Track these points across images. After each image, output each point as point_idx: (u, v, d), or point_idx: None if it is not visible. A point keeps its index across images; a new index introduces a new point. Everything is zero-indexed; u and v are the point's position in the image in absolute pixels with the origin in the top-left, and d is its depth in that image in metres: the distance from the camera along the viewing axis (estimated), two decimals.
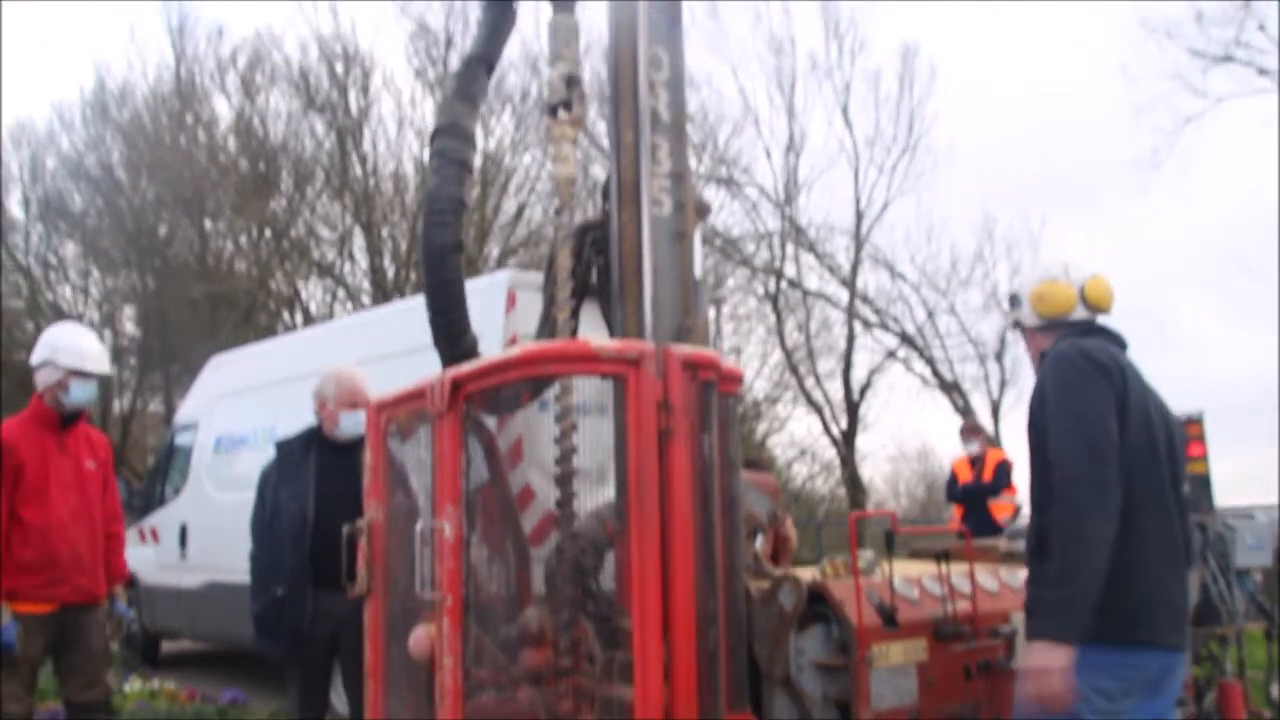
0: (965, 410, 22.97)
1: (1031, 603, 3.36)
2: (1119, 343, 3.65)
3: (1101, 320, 3.73)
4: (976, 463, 11.03)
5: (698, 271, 4.07)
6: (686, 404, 3.32)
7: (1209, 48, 18.60)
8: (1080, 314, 3.67)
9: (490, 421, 3.99)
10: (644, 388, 3.24)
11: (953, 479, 11.48)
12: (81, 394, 5.58)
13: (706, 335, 4.02)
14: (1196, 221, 31.37)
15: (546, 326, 4.06)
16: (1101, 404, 3.32)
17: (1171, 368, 31.57)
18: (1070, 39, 34.68)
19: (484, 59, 4.41)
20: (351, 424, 5.06)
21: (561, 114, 3.88)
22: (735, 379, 3.77)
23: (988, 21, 35.25)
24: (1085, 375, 3.37)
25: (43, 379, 5.56)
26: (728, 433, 3.64)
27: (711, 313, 4.26)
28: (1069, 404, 3.34)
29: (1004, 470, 10.92)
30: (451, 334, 4.20)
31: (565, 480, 3.56)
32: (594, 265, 4.16)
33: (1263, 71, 18.32)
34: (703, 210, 4.15)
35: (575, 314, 3.98)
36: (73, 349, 5.57)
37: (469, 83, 4.35)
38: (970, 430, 11.48)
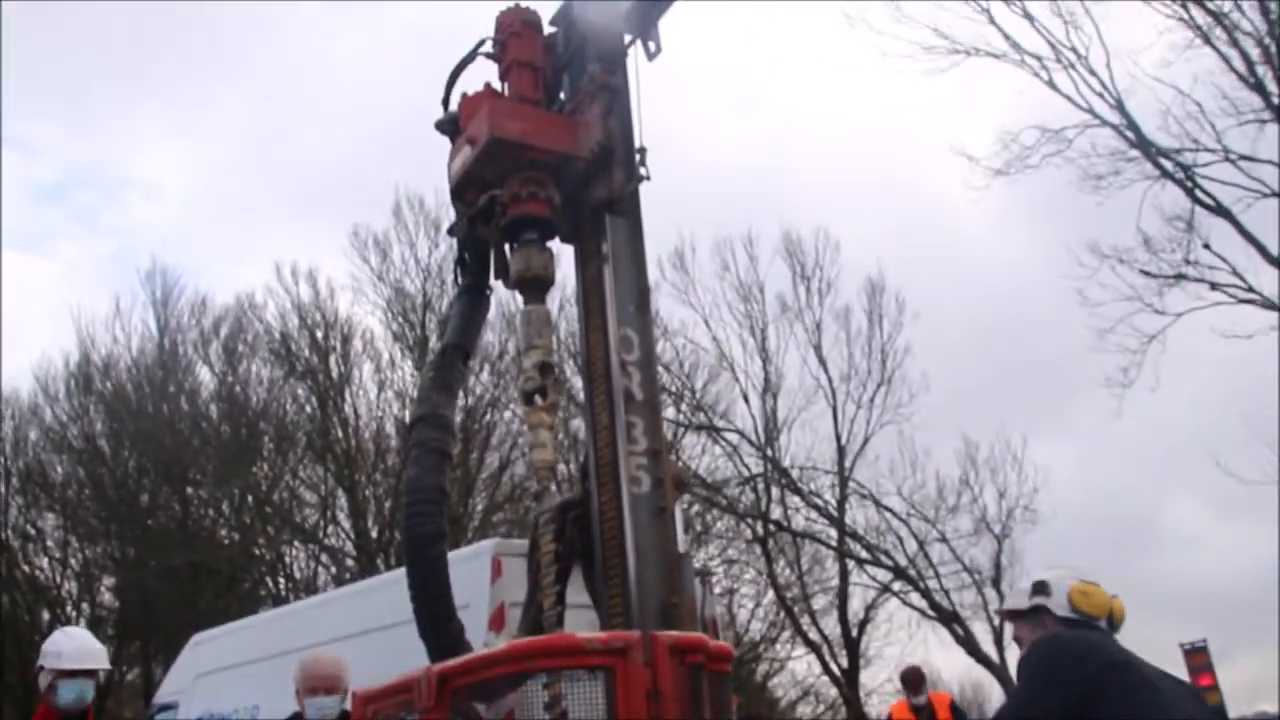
0: (967, 639, 22.51)
1: None
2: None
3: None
4: (923, 712, 10.33)
5: (681, 546, 4.07)
6: (676, 690, 3.27)
7: (1161, 268, 19.11)
8: (1102, 624, 3.91)
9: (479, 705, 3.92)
10: (632, 677, 3.20)
11: None
12: (69, 694, 5.53)
13: (694, 611, 3.99)
14: (1173, 426, 31.62)
15: (531, 612, 4.03)
16: (1048, 694, 3.68)
17: (1166, 569, 31.25)
18: (1028, 270, 35.67)
19: (460, 347, 4.53)
20: (315, 710, 5.02)
21: (537, 400, 3.97)
22: (725, 657, 3.73)
23: (948, 254, 36.38)
24: (1052, 666, 3.72)
25: (42, 683, 5.55)
26: (720, 713, 3.58)
27: (698, 584, 4.25)
28: (1025, 685, 3.80)
29: (961, 715, 10.37)
30: (437, 623, 4.15)
31: None
32: (577, 544, 4.16)
33: (1215, 286, 18.80)
34: (682, 484, 4.19)
35: (560, 599, 3.96)
36: (55, 650, 5.56)
37: (445, 371, 4.45)
38: (914, 680, 10.69)
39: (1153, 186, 18.96)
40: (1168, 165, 18.88)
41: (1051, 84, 19.53)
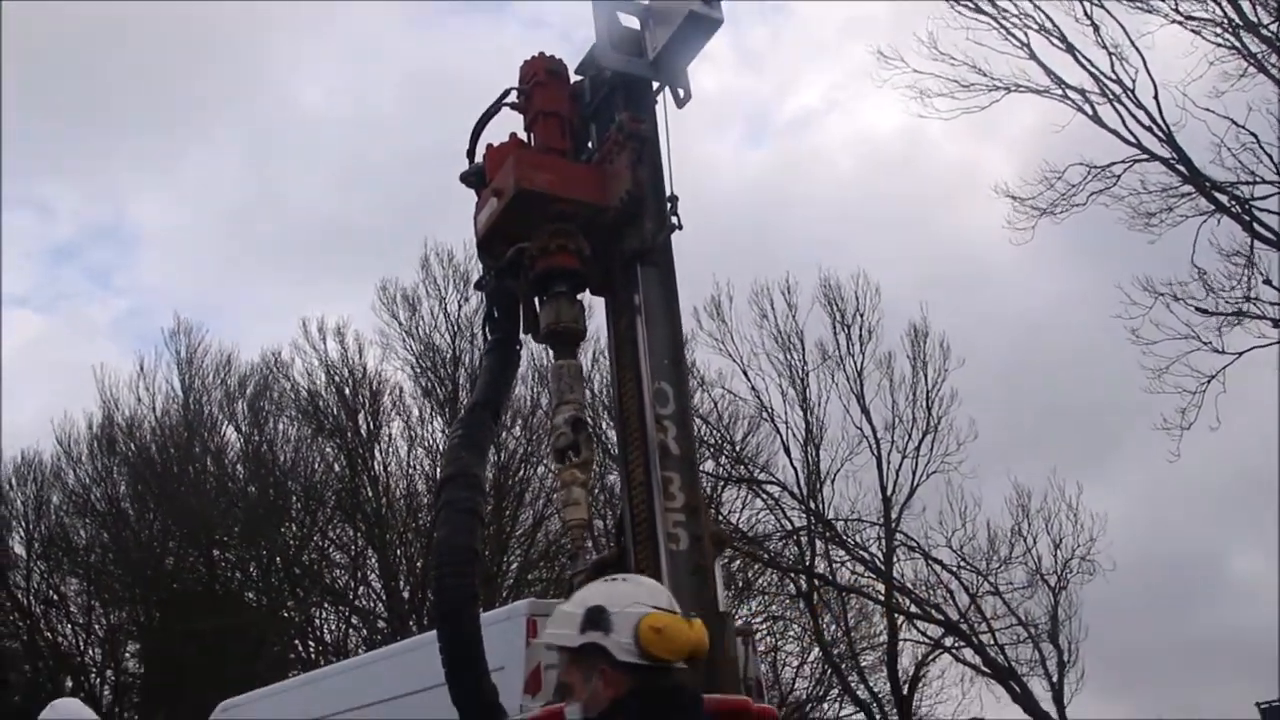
0: (1024, 697, 21.84)
1: None
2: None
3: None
4: None
5: (722, 605, 3.94)
6: None
7: (1219, 306, 18.16)
8: (681, 667, 3.00)
9: None
10: None
11: None
12: None
13: (737, 672, 3.85)
14: (1237, 467, 30.37)
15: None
16: None
17: (1235, 620, 30.24)
18: (1075, 308, 34.89)
19: (489, 404, 4.43)
20: None
21: (570, 457, 3.87)
22: (770, 718, 3.59)
23: (988, 293, 35.77)
24: None
25: None
26: None
27: (740, 644, 4.10)
28: None
29: None
30: (468, 688, 4.03)
31: None
32: None
33: (1277, 323, 17.88)
34: (721, 541, 4.07)
35: None
36: None
37: (475, 429, 4.34)
38: None
39: (1207, 221, 18.26)
40: (1223, 199, 18.16)
41: (1097, 118, 18.89)
